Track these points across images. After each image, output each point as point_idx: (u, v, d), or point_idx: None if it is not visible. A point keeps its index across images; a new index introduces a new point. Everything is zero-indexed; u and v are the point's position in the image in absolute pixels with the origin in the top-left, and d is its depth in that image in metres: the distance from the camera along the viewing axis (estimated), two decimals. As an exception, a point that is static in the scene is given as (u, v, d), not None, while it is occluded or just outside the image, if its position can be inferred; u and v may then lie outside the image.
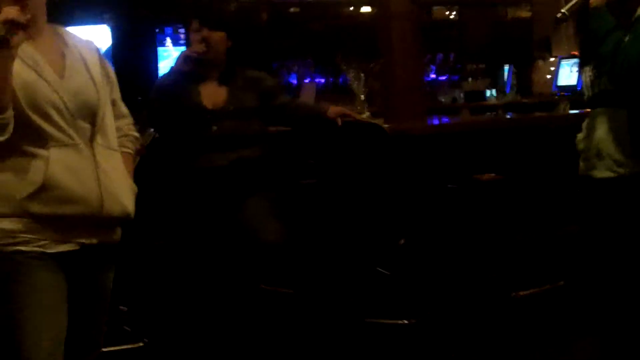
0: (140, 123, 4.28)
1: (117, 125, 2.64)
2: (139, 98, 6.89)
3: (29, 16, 2.28)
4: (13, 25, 2.21)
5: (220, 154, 4.02)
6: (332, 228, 4.44)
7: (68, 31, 2.60)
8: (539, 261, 4.82)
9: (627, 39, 3.02)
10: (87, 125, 2.43)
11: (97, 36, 9.59)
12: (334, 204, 4.45)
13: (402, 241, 4.34)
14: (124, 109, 2.73)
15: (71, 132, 2.38)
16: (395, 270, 4.41)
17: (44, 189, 2.32)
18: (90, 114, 2.44)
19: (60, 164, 2.35)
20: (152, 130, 4.19)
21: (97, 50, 2.65)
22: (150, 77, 8.45)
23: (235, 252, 4.00)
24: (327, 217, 4.47)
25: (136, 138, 2.77)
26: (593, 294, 3.47)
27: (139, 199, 2.65)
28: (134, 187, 2.62)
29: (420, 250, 4.51)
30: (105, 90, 2.54)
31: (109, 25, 9.70)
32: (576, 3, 3.15)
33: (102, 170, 2.43)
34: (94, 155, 2.42)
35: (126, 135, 2.71)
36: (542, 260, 4.81)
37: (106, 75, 2.60)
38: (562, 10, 3.17)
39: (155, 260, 4.29)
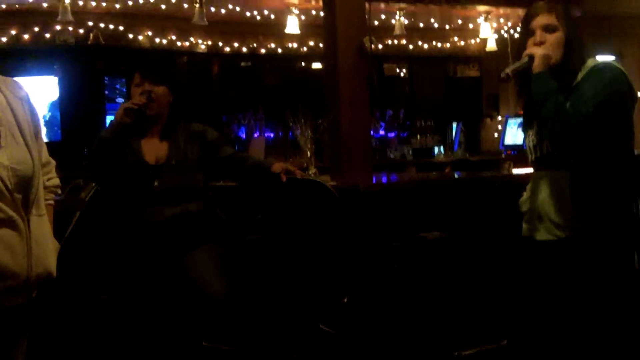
0: (84, 177, 4.25)
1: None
2: (85, 150, 6.86)
3: None
4: None
5: (163, 208, 3.98)
6: (276, 284, 4.41)
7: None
8: (482, 319, 4.81)
9: (567, 104, 3.06)
10: (20, 196, 2.39)
11: (45, 87, 9.58)
12: (279, 260, 4.42)
13: (346, 299, 4.31)
14: (45, 156, 2.68)
15: (8, 209, 2.34)
16: (339, 328, 4.37)
17: None
18: (25, 185, 2.40)
19: None
20: (93, 184, 4.15)
21: (26, 97, 2.57)
22: (97, 128, 8.42)
23: (178, 307, 3.94)
24: (271, 273, 4.43)
25: (56, 186, 2.74)
26: (535, 354, 3.46)
27: (82, 254, 2.62)
28: (57, 245, 2.60)
29: (364, 308, 4.48)
30: (37, 152, 2.49)
31: (57, 76, 9.69)
32: (520, 65, 3.20)
33: (34, 242, 2.41)
34: (28, 226, 2.39)
35: (46, 187, 2.66)
36: (485, 318, 4.80)
37: (34, 125, 2.55)
38: (506, 71, 3.22)
39: (96, 315, 4.21)
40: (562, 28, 3.19)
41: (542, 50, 3.16)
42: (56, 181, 2.75)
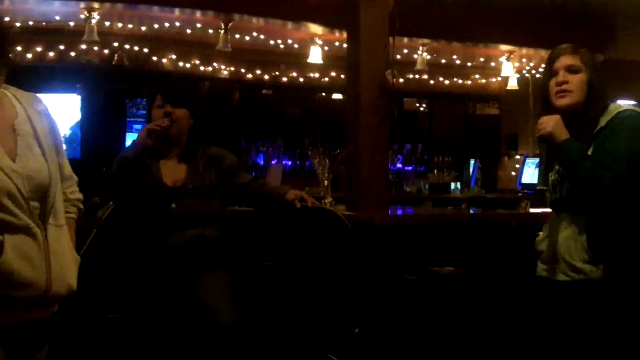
0: (101, 195, 4.27)
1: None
2: (103, 169, 6.89)
3: None
4: None
5: (179, 231, 3.99)
6: (287, 312, 4.40)
7: (19, 93, 2.56)
8: (493, 358, 4.79)
9: (590, 151, 3.07)
10: (38, 205, 2.41)
11: (68, 105, 9.65)
12: (291, 288, 4.42)
13: (357, 330, 4.31)
14: (68, 171, 2.70)
15: (24, 216, 2.36)
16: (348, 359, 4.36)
17: None
18: (42, 194, 2.42)
19: (14, 250, 2.32)
20: (110, 203, 4.16)
21: (46, 112, 2.60)
22: (117, 148, 8.45)
23: (188, 331, 3.94)
24: (282, 300, 4.43)
25: (79, 200, 2.75)
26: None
27: (93, 271, 2.62)
28: (77, 258, 2.61)
29: (374, 341, 4.47)
30: (55, 164, 2.52)
31: (80, 95, 9.76)
32: (544, 142, 3.22)
33: (52, 252, 2.42)
34: (45, 236, 2.41)
35: (69, 200, 2.68)
36: (496, 357, 4.78)
37: (54, 139, 2.58)
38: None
39: (106, 334, 4.21)
40: (585, 71, 3.20)
41: (550, 120, 3.16)
42: (79, 195, 2.77)
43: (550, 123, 3.16)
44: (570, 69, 3.20)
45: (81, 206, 2.78)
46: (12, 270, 2.31)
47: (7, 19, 7.82)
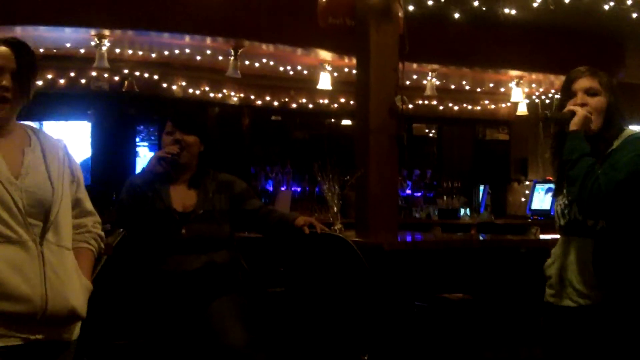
0: (111, 222, 4.28)
1: (81, 222, 2.66)
2: (114, 196, 6.90)
3: None
4: None
5: (189, 257, 3.99)
6: (297, 337, 4.39)
7: (38, 130, 2.66)
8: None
9: (600, 171, 3.04)
10: (38, 223, 2.44)
11: (78, 131, 9.70)
12: (300, 314, 4.41)
13: (366, 356, 4.29)
14: (89, 207, 2.75)
15: (19, 229, 2.38)
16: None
17: None
18: (43, 212, 2.45)
19: (5, 261, 2.34)
20: (121, 230, 4.17)
21: (65, 148, 2.68)
22: (127, 174, 8.48)
23: (198, 356, 3.94)
24: (292, 326, 4.42)
25: (100, 236, 2.77)
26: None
27: (103, 297, 2.62)
28: (88, 285, 2.60)
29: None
30: (63, 188, 2.55)
31: (90, 121, 9.81)
32: (561, 116, 3.17)
33: (51, 269, 2.42)
34: (42, 253, 2.42)
35: (90, 232, 2.71)
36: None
37: (71, 174, 2.62)
38: (547, 113, 3.21)
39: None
40: (603, 93, 3.18)
41: (584, 110, 3.14)
42: (102, 232, 2.80)
43: (583, 112, 3.14)
44: (589, 92, 3.18)
45: (102, 245, 2.80)
46: (1, 281, 2.32)
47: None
